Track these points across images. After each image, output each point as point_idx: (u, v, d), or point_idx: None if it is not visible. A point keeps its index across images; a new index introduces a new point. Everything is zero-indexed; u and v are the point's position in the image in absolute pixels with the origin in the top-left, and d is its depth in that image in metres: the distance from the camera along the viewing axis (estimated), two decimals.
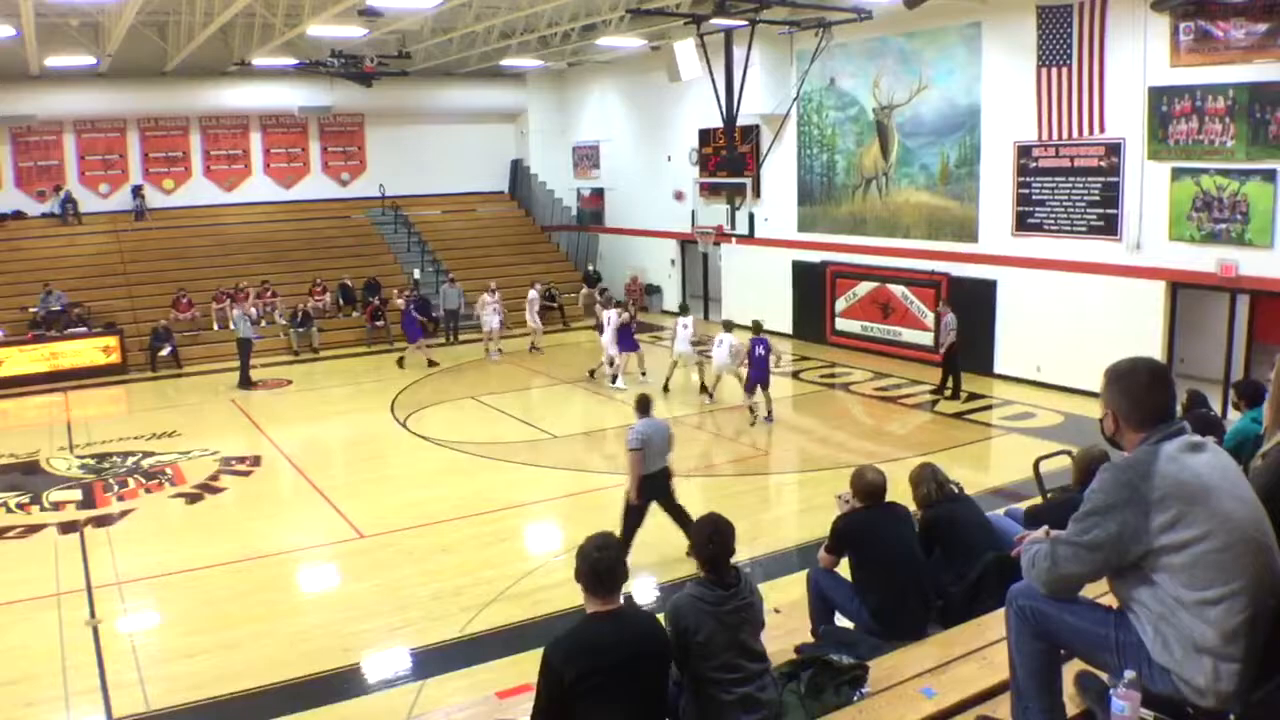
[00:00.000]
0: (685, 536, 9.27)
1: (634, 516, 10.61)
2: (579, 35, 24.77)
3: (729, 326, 18.97)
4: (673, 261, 30.22)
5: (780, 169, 25.42)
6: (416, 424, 18.30)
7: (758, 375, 17.51)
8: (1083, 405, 17.10)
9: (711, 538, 5.09)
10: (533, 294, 25.66)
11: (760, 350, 17.47)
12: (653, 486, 10.70)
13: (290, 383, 22.68)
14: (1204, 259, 16.53)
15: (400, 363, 23.45)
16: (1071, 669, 4.29)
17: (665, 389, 19.67)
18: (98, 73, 25.96)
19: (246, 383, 21.98)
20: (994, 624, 5.30)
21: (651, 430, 10.84)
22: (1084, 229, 18.39)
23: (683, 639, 4.89)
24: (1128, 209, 17.61)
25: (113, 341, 24.13)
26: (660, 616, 5.05)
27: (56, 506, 14.25)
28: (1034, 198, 19.22)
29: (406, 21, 22.71)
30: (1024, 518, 7.36)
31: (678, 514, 10.74)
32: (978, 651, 5.24)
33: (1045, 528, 4.18)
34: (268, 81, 28.96)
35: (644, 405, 11.33)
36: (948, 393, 18.78)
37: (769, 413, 17.71)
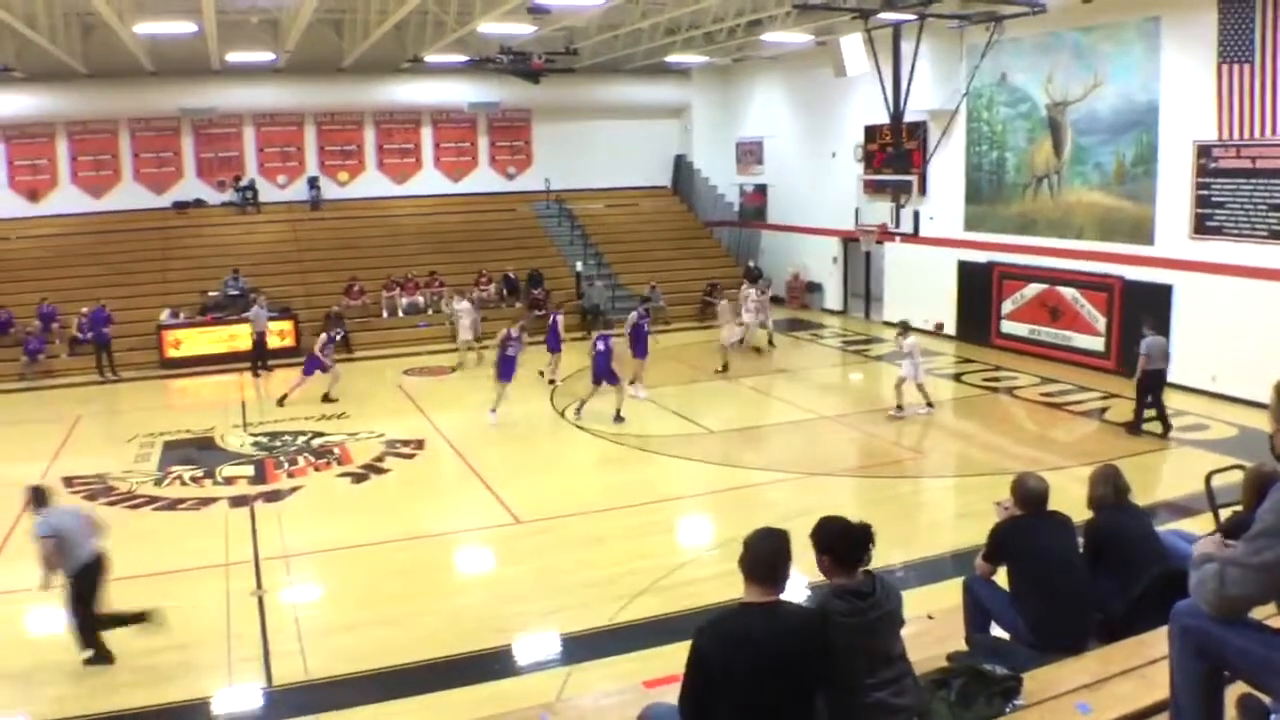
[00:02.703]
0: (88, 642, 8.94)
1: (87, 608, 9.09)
2: (744, 31, 24.70)
3: (906, 330, 18.53)
4: (835, 259, 29.90)
5: (947, 166, 24.93)
6: (574, 414, 18.48)
7: (601, 368, 17.70)
8: (1260, 418, 16.29)
9: (844, 533, 4.92)
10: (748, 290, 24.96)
11: (600, 346, 17.57)
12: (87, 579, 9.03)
13: (454, 370, 23.16)
14: None
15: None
16: (1234, 691, 4.12)
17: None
18: (276, 68, 27.02)
19: (260, 368, 23.22)
20: (1155, 641, 5.11)
21: (62, 518, 9.19)
22: (1265, 234, 17.55)
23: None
24: None
25: (288, 325, 25.07)
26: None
27: (229, 481, 14.92)
28: (1214, 200, 18.43)
29: (574, 18, 22.98)
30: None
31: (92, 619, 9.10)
32: (1137, 669, 5.08)
33: (1218, 536, 4.03)
34: (439, 78, 29.68)
35: (39, 497, 9.26)
36: (1154, 427, 16.29)
37: (618, 414, 17.75)
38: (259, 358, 23.46)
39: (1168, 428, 16.22)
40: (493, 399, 17.97)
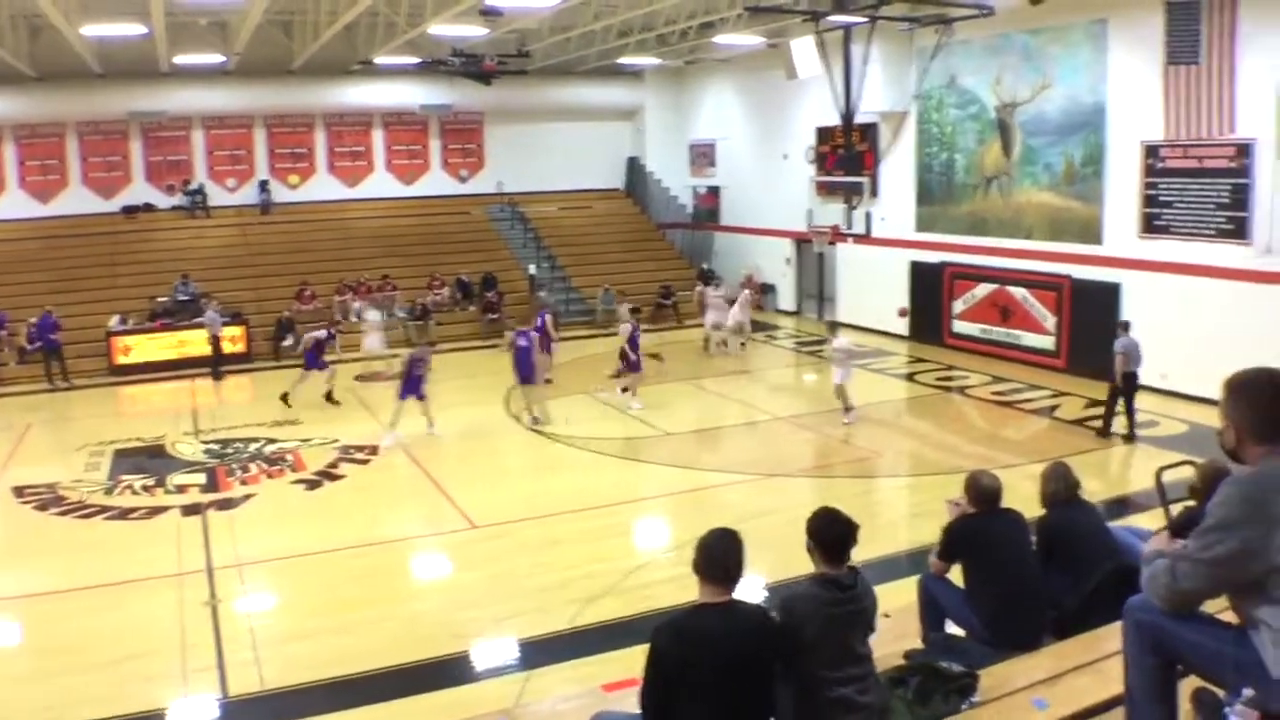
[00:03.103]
0: None
1: None
2: (697, 33, 24.76)
3: (834, 329, 18.49)
4: (788, 261, 30.04)
5: (898, 168, 25.12)
6: (529, 422, 18.42)
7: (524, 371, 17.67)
8: (1209, 414, 16.50)
9: (832, 523, 5.05)
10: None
11: (521, 342, 17.60)
12: None
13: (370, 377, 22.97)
14: None
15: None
16: (1188, 685, 4.17)
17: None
18: (226, 70, 26.77)
19: (219, 374, 23.20)
20: (1109, 637, 5.18)
21: None
22: (1212, 232, 17.82)
23: (792, 634, 4.84)
24: (1259, 212, 17.02)
25: (238, 331, 24.84)
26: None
27: (180, 489, 14.74)
28: (1161, 199, 18.68)
29: (526, 20, 22.95)
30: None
31: None
32: (1092, 664, 5.14)
33: (1166, 533, 4.07)
34: (390, 80, 29.56)
35: None
36: (1120, 433, 16.14)
37: (534, 417, 17.83)
38: (219, 362, 23.35)
39: (1133, 435, 16.02)
40: (389, 419, 17.42)
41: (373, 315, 24.01)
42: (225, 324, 23.90)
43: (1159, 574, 3.75)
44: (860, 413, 17.68)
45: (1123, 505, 12.59)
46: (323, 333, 20.08)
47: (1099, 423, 16.48)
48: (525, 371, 17.72)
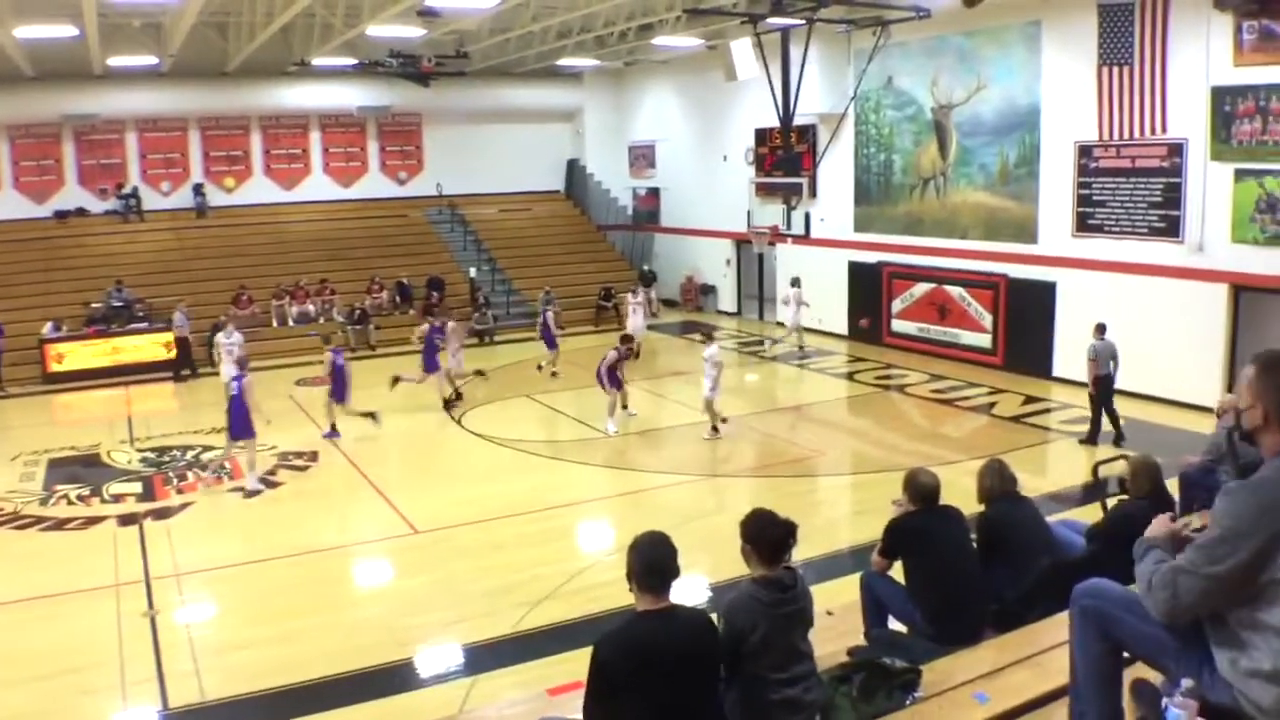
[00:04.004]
0: None
1: None
2: (635, 35, 24.79)
3: (709, 338, 18.13)
4: (728, 261, 30.17)
5: (837, 169, 25.30)
6: (471, 421, 18.40)
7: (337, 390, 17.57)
8: (1143, 409, 16.88)
9: (772, 523, 5.07)
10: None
11: (339, 361, 17.59)
12: None
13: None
14: (1268, 262, 16.23)
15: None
16: (1129, 676, 4.22)
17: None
18: (159, 72, 26.37)
19: (182, 376, 23.24)
20: (1049, 630, 5.25)
21: None
22: (1145, 230, 18.13)
23: (735, 638, 4.87)
24: (1190, 211, 17.34)
25: (173, 337, 24.45)
26: (714, 615, 5.04)
27: (116, 499, 14.51)
28: (1094, 199, 18.98)
29: (464, 22, 22.86)
30: (1085, 536, 7.27)
31: None
32: (1032, 658, 5.19)
33: (1168, 517, 3.97)
34: (327, 81, 29.32)
35: None
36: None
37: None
38: (183, 365, 23.32)
39: (1120, 437, 15.44)
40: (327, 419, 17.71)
41: (234, 339, 22.16)
42: (161, 329, 23.63)
43: (1157, 589, 3.57)
44: (803, 412, 17.76)
45: (1059, 500, 12.76)
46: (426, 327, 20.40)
47: (1082, 428, 15.98)
48: (337, 390, 17.63)
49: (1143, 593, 3.66)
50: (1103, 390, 15.50)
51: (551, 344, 22.17)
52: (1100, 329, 15.74)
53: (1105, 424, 15.64)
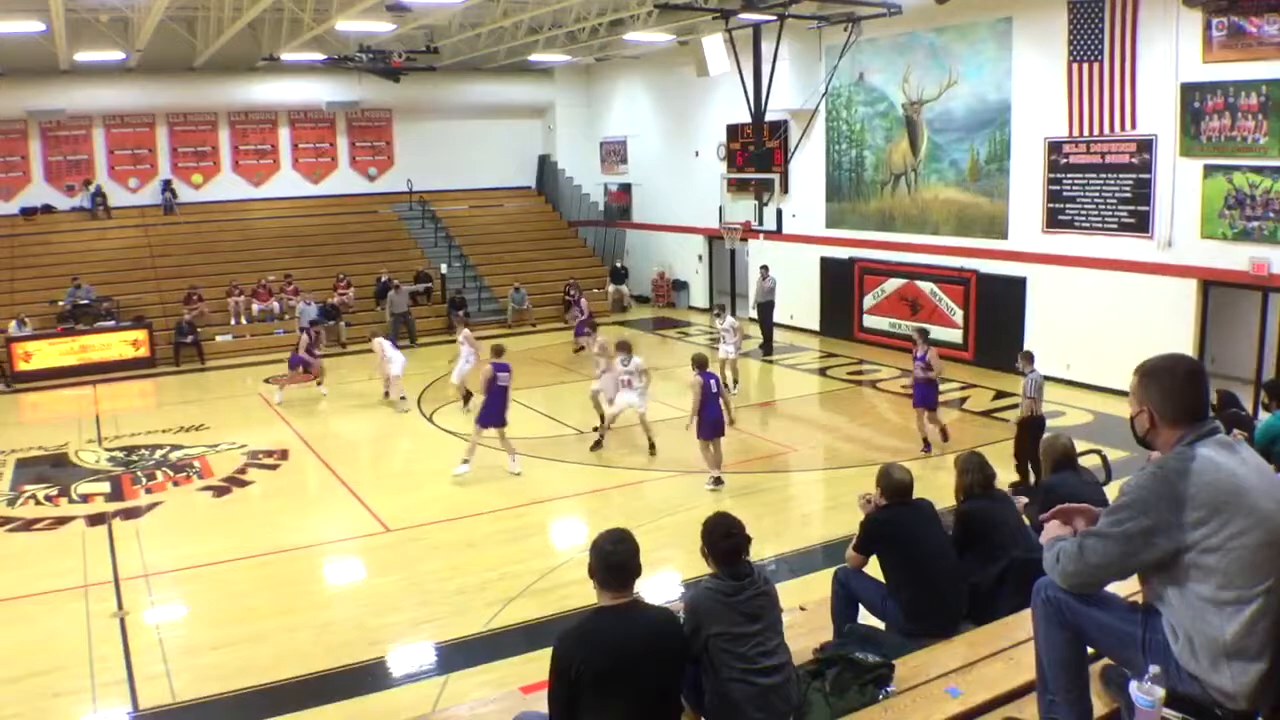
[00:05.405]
0: None
1: None
2: (607, 30, 24.74)
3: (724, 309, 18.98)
4: (700, 257, 30.17)
5: (808, 165, 25.34)
6: (443, 419, 18.32)
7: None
8: (1113, 404, 16.96)
9: (726, 535, 5.14)
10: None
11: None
12: None
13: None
14: (1236, 257, 16.37)
15: None
16: (1098, 667, 4.25)
17: None
18: (127, 68, 26.17)
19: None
20: (1021, 624, 5.25)
21: None
22: (1115, 226, 18.24)
23: (701, 633, 4.90)
24: (1159, 206, 17.46)
25: (141, 335, 24.28)
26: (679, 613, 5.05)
27: (85, 499, 14.36)
28: (1065, 194, 19.08)
29: (434, 16, 22.76)
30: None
31: None
32: (1005, 651, 5.21)
33: (1056, 521, 4.09)
34: (296, 77, 29.09)
35: None
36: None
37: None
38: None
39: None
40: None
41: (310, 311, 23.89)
42: (124, 327, 23.26)
43: (1064, 553, 3.78)
44: (775, 408, 17.75)
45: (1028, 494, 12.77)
46: (305, 339, 20.42)
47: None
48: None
49: (1049, 567, 3.87)
50: (1034, 434, 12.58)
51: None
52: (1029, 357, 13.61)
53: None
